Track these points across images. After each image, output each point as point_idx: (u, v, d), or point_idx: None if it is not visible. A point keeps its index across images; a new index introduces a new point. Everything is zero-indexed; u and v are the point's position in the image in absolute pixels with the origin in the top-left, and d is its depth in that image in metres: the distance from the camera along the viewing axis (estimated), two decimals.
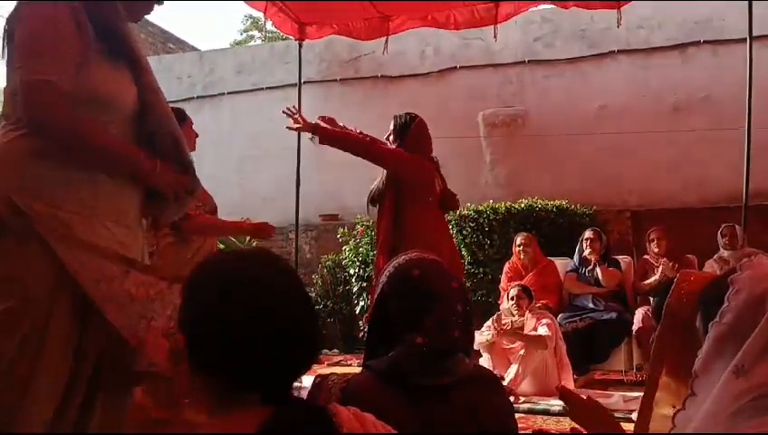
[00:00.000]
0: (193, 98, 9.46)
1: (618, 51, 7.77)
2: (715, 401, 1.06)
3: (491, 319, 5.33)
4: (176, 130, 2.11)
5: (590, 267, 5.89)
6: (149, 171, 1.98)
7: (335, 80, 8.72)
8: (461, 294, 1.68)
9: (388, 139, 4.25)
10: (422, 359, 1.55)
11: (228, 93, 9.36)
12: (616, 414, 4.30)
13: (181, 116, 4.07)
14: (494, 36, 6.51)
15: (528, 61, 8.12)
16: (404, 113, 4.33)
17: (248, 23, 18.52)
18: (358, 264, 7.35)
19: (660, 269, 5.65)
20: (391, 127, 4.27)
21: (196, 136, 3.84)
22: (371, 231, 7.42)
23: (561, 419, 4.18)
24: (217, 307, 1.10)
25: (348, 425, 1.06)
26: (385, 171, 4.16)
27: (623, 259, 6.10)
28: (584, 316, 5.62)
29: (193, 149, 3.71)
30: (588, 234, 5.98)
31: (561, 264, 6.15)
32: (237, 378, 1.07)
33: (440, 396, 1.53)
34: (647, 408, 1.47)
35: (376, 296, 1.70)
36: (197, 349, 1.11)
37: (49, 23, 1.84)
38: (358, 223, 7.49)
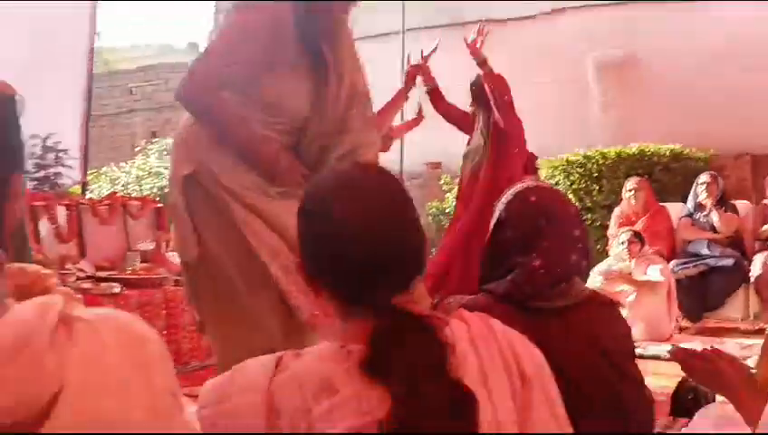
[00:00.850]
0: None
1: None
2: None
3: (599, 265, 5.26)
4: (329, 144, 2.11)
5: (705, 212, 5.68)
6: (273, 164, 2.04)
7: (439, 26, 8.62)
8: (578, 220, 1.69)
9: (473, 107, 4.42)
10: (539, 282, 1.57)
11: None
12: None
13: None
14: None
15: None
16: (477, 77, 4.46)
17: None
18: None
19: None
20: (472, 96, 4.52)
21: None
22: None
23: (673, 363, 4.10)
24: (334, 219, 1.10)
25: (474, 325, 1.09)
26: (484, 131, 4.29)
27: (742, 204, 5.85)
28: (698, 263, 5.45)
29: None
30: (704, 178, 5.74)
31: (675, 209, 5.95)
32: (351, 292, 1.09)
33: (558, 318, 1.55)
34: None
35: (492, 223, 1.73)
36: (313, 264, 1.14)
37: (245, 24, 2.00)
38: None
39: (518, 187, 1.75)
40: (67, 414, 0.79)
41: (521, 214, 1.67)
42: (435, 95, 4.67)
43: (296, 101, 2.05)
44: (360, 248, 1.07)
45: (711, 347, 1.65)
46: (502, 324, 1.13)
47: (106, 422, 0.80)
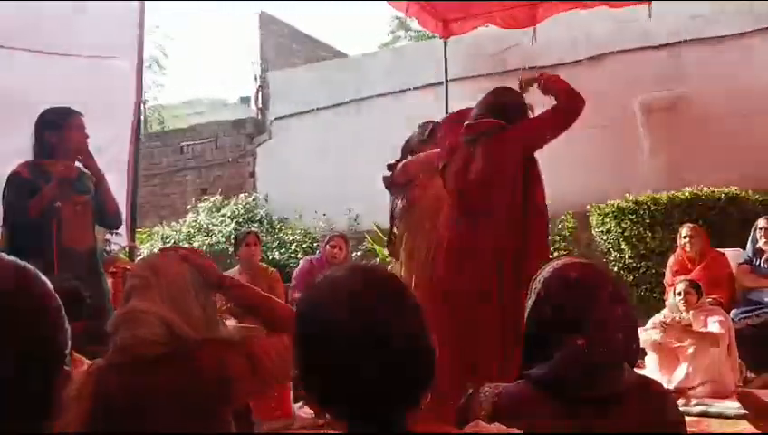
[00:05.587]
0: (345, 102, 9.68)
1: None
2: None
3: (656, 316, 5.08)
4: None
5: (765, 258, 5.46)
6: None
7: (482, 75, 8.61)
8: (622, 297, 1.60)
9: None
10: (584, 366, 1.48)
11: (378, 96, 9.48)
12: None
13: None
14: (649, 15, 6.27)
15: (687, 40, 7.62)
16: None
17: (395, 23, 18.72)
18: None
19: None
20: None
21: None
22: None
23: (739, 422, 3.89)
24: (324, 332, 1.05)
25: None
26: None
27: None
28: (761, 311, 5.22)
29: None
30: (762, 222, 5.52)
31: (733, 255, 5.73)
32: (351, 412, 1.04)
33: (603, 409, 1.45)
34: None
35: (530, 302, 1.65)
36: (302, 379, 1.09)
37: None
38: None
39: (556, 262, 1.68)
40: None
41: (561, 292, 1.59)
42: None
43: None
44: (353, 363, 1.01)
45: None
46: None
47: None
